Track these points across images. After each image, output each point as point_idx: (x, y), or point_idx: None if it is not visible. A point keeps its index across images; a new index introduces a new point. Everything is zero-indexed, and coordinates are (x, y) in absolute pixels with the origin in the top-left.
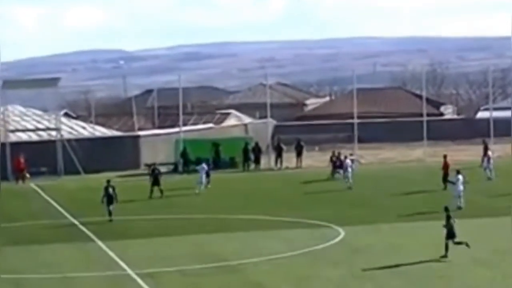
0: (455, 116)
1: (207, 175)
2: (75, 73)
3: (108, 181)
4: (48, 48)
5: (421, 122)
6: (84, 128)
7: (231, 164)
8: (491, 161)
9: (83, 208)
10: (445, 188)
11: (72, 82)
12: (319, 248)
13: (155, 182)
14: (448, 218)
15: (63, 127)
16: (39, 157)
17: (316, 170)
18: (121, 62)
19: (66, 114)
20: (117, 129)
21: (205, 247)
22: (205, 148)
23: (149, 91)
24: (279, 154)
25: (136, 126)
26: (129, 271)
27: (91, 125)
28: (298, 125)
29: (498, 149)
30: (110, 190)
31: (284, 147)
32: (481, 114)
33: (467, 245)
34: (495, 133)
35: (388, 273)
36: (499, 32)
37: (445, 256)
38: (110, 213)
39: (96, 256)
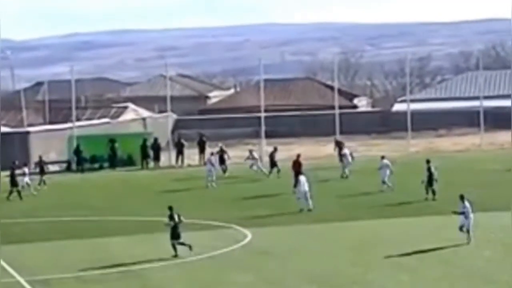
0: (370, 109)
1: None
2: None
3: None
4: None
5: (333, 115)
6: None
7: (129, 161)
8: (349, 159)
9: None
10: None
11: None
12: (225, 252)
13: (13, 183)
14: (171, 217)
15: None
16: None
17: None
18: (8, 52)
19: None
20: (5, 125)
21: (104, 252)
22: (101, 145)
23: (39, 84)
24: (179, 151)
25: (26, 122)
26: (19, 278)
27: None
28: (200, 120)
29: (416, 144)
30: None
31: (185, 143)
32: (397, 107)
33: (190, 248)
34: (413, 126)
35: (299, 278)
36: (416, 18)
37: (175, 256)
38: None
39: None
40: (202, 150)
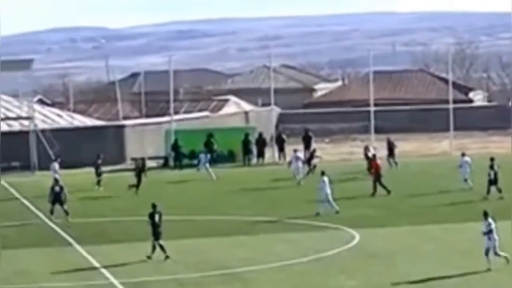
0: (486, 103)
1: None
2: (50, 54)
3: (56, 180)
4: (19, 25)
5: (447, 110)
6: (60, 116)
7: (230, 157)
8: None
9: (60, 208)
10: (388, 192)
11: (47, 64)
12: (332, 254)
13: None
14: (152, 216)
15: (36, 115)
16: (10, 150)
17: (326, 164)
18: (103, 41)
19: (40, 101)
20: (99, 118)
21: (204, 253)
22: (200, 140)
23: (135, 75)
24: (281, 147)
25: (121, 115)
26: (114, 280)
27: (69, 113)
28: (306, 114)
29: None
30: (57, 189)
31: (286, 138)
32: None
33: (166, 257)
34: None
35: (408, 284)
36: None
37: (149, 257)
38: (66, 213)
39: (75, 263)
40: (307, 146)
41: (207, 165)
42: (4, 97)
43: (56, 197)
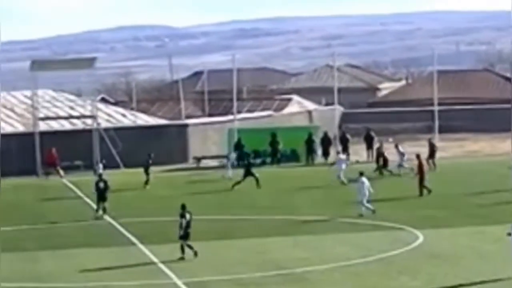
0: None
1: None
2: (113, 53)
3: (100, 175)
4: (83, 23)
5: (511, 109)
6: (124, 115)
7: (293, 157)
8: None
9: (123, 207)
10: (429, 192)
11: (110, 63)
12: (394, 254)
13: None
14: (182, 216)
15: (100, 114)
16: (73, 148)
17: (389, 164)
18: (167, 39)
19: (103, 100)
20: (162, 117)
21: (265, 253)
22: (263, 139)
23: (198, 73)
24: (345, 147)
25: (184, 114)
26: (176, 280)
27: (132, 112)
28: (369, 113)
29: None
30: (102, 185)
31: (350, 138)
32: None
33: (195, 254)
34: None
35: (474, 285)
36: None
37: (181, 258)
38: (104, 210)
39: (137, 262)
40: (369, 146)
41: (233, 162)
42: (67, 95)
43: (101, 194)
